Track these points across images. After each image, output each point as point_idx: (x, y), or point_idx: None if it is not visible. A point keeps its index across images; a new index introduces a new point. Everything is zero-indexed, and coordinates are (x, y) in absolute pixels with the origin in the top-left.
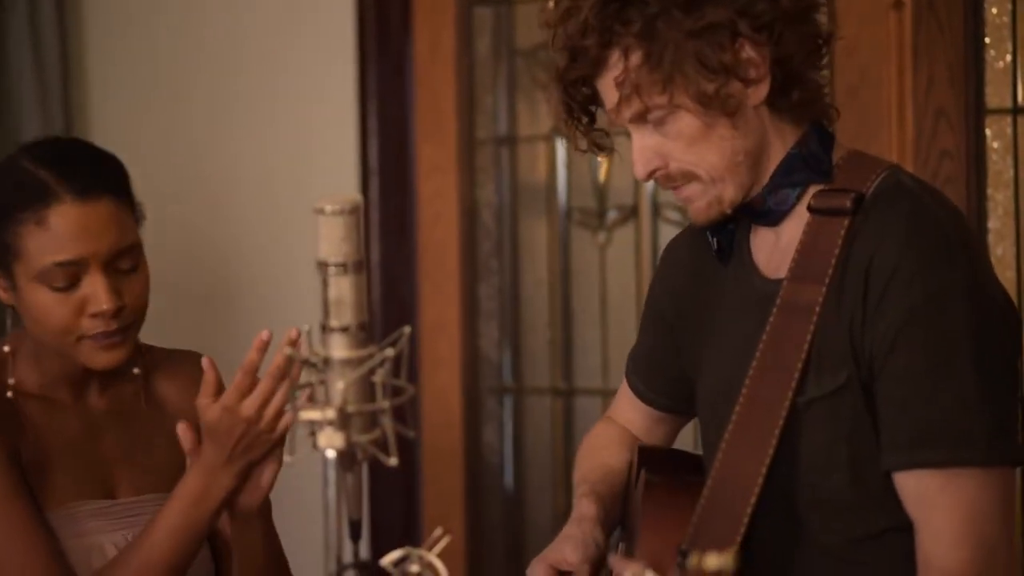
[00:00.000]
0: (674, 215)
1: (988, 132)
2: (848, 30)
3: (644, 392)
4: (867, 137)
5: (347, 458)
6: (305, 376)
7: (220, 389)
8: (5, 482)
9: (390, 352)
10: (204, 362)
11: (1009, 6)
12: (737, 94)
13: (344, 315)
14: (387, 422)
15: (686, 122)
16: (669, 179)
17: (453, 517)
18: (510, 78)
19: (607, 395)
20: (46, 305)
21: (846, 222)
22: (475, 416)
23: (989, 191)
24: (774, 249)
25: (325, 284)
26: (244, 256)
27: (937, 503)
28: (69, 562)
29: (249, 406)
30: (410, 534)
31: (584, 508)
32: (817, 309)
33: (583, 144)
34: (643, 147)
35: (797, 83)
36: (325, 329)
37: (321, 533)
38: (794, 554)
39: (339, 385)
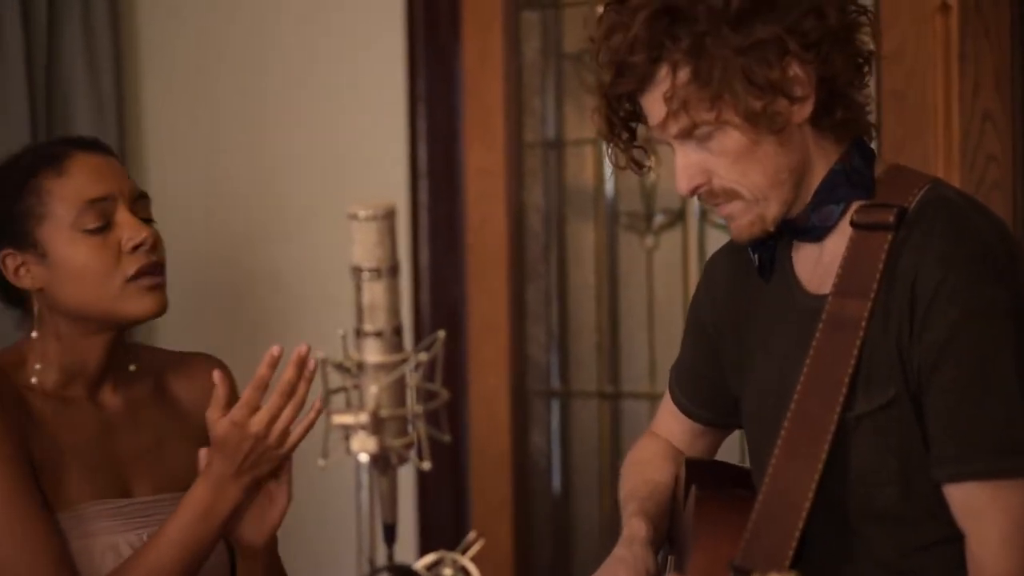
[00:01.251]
0: (721, 220)
1: None
2: (894, 34)
3: (687, 406)
4: (913, 141)
5: (381, 462)
6: (340, 381)
7: (231, 403)
8: (12, 482)
9: (423, 356)
10: (216, 375)
11: None
12: (784, 111)
13: (378, 320)
14: (420, 426)
15: (732, 139)
16: (712, 196)
17: (500, 521)
18: (558, 82)
19: (654, 399)
20: (85, 254)
21: (889, 236)
22: (523, 419)
23: None
24: (817, 264)
25: (359, 289)
26: (295, 259)
27: (986, 513)
28: (74, 564)
29: (257, 422)
30: (458, 538)
31: (635, 528)
32: (863, 324)
33: (622, 161)
34: (687, 164)
35: (841, 102)
36: (359, 334)
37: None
38: (847, 567)
39: (372, 389)
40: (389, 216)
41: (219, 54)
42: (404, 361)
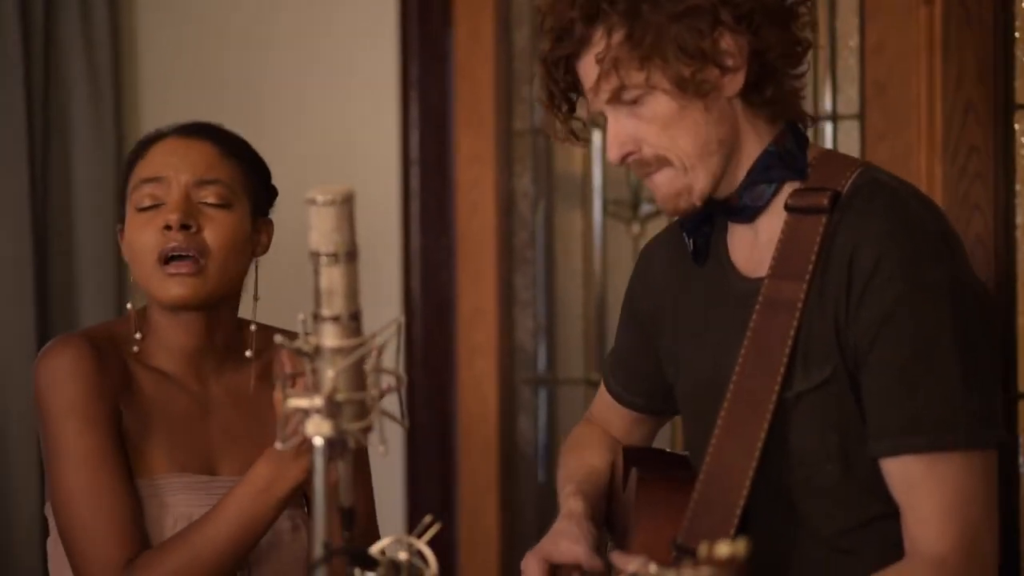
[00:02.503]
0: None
1: (1017, 127)
2: (877, 25)
3: (621, 394)
4: (896, 132)
5: (338, 446)
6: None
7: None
8: (96, 442)
9: (379, 341)
10: (280, 356)
11: None
12: (713, 80)
13: (335, 305)
14: (375, 410)
15: (662, 104)
16: (642, 164)
17: (487, 506)
18: None
19: None
20: (133, 231)
21: (824, 219)
22: (510, 406)
23: (1017, 187)
24: (752, 249)
25: (316, 274)
26: (284, 246)
27: (922, 487)
28: (146, 531)
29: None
30: (445, 523)
31: (573, 505)
32: (799, 305)
33: (562, 132)
34: (618, 131)
35: (772, 80)
36: (316, 318)
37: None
38: (789, 544)
39: (328, 373)
40: (347, 201)
41: (213, 39)
42: (361, 345)
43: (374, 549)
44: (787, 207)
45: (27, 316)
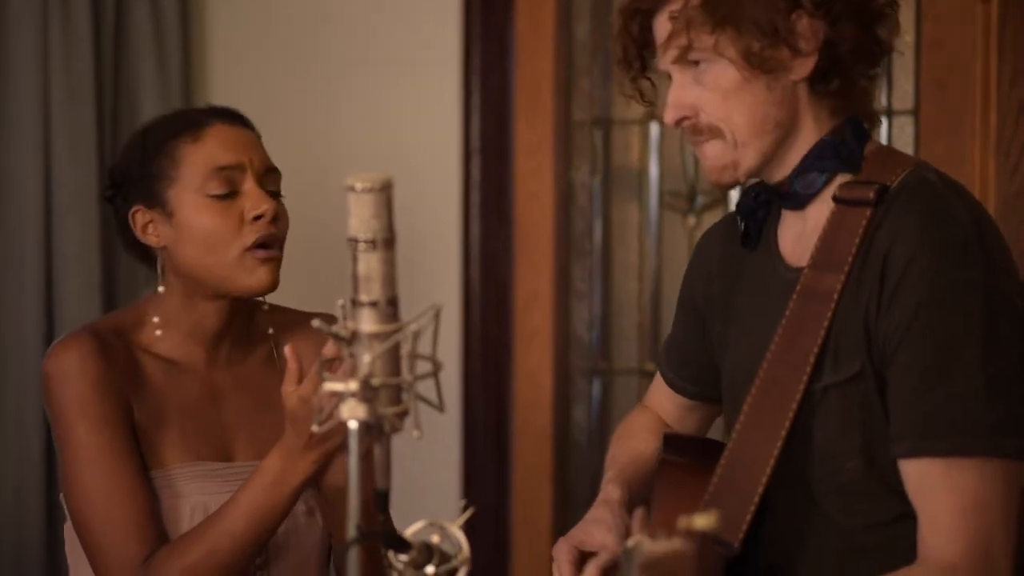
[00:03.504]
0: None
1: None
2: (935, 23)
3: (674, 380)
4: (951, 130)
5: (374, 430)
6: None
7: (303, 377)
8: (108, 441)
9: (415, 327)
10: (286, 350)
11: None
12: (781, 60)
13: (373, 290)
14: (411, 395)
15: (726, 75)
16: (695, 131)
17: (542, 495)
18: (607, 61)
19: None
20: (209, 219)
21: (868, 213)
22: (565, 395)
23: None
24: (800, 238)
25: (355, 260)
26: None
27: (937, 492)
28: (162, 524)
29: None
30: (500, 511)
31: (610, 492)
32: (835, 297)
33: (629, 89)
34: (679, 95)
35: (841, 72)
36: (355, 304)
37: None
38: (810, 538)
39: (365, 358)
40: (386, 188)
41: (279, 26)
42: (398, 331)
43: (408, 533)
44: (834, 198)
45: (94, 294)
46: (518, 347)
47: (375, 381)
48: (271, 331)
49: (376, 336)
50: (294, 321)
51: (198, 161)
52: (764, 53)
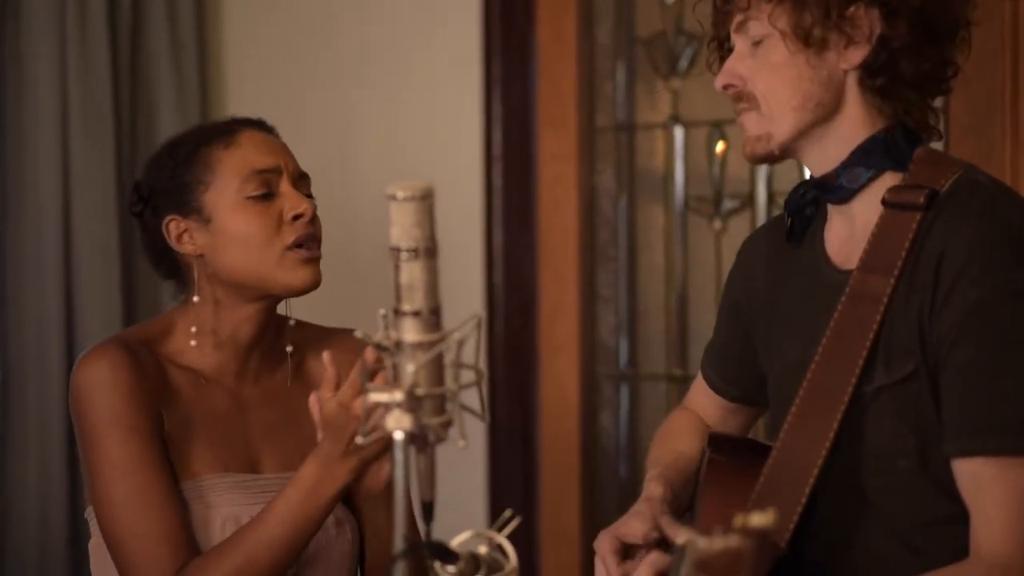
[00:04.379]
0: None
1: None
2: None
3: (716, 382)
4: (979, 127)
5: (419, 440)
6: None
7: (340, 383)
8: (139, 451)
9: (459, 336)
10: (325, 356)
11: None
12: (832, 43)
13: (416, 300)
14: (455, 404)
15: (777, 48)
16: (737, 99)
17: (569, 502)
18: (630, 66)
19: None
20: (248, 220)
21: (918, 216)
22: (592, 402)
23: None
24: (847, 240)
25: (397, 269)
26: (367, 242)
27: (990, 491)
28: (193, 534)
29: (360, 404)
30: (527, 518)
31: (652, 489)
32: (885, 300)
33: (716, 65)
34: (733, 63)
35: (889, 70)
36: (397, 313)
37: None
38: (860, 537)
39: (409, 368)
40: (427, 197)
41: (299, 34)
42: (441, 340)
43: (455, 543)
44: (884, 202)
45: (115, 305)
46: (544, 354)
47: (420, 391)
48: (289, 349)
49: (419, 346)
50: (318, 337)
51: (234, 165)
52: (814, 31)
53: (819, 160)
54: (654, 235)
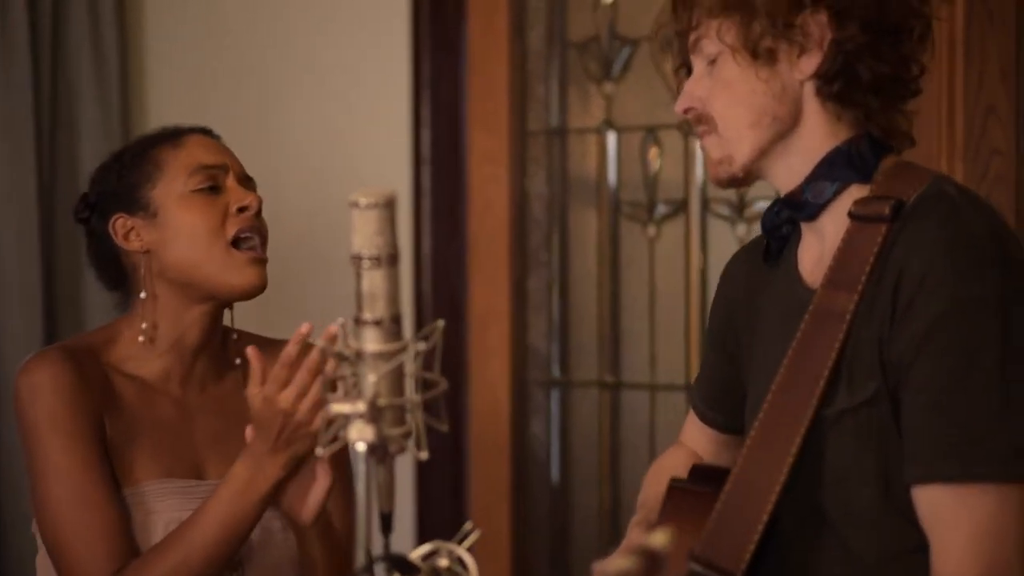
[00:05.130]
0: (724, 210)
1: None
2: None
3: (706, 414)
4: (916, 134)
5: (379, 451)
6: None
7: (266, 378)
8: (80, 453)
9: (422, 346)
10: (249, 351)
11: None
12: (783, 54)
13: (377, 308)
14: (417, 416)
15: (730, 68)
16: (696, 121)
17: (499, 509)
18: (562, 70)
19: (654, 389)
20: (193, 212)
21: (884, 229)
22: (523, 408)
23: None
24: (818, 258)
25: (359, 277)
26: (293, 245)
27: (950, 519)
28: (134, 539)
29: (285, 398)
30: (456, 527)
31: (634, 537)
32: (848, 317)
33: (675, 83)
34: (691, 85)
35: (848, 75)
36: (358, 322)
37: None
38: (822, 567)
39: (371, 378)
40: (390, 204)
41: (222, 38)
42: (403, 350)
43: (415, 556)
44: (850, 214)
45: (35, 320)
46: (474, 360)
47: (381, 402)
48: (239, 361)
49: (381, 355)
50: (261, 346)
51: (181, 161)
52: (762, 43)
53: (785, 177)
54: (587, 240)
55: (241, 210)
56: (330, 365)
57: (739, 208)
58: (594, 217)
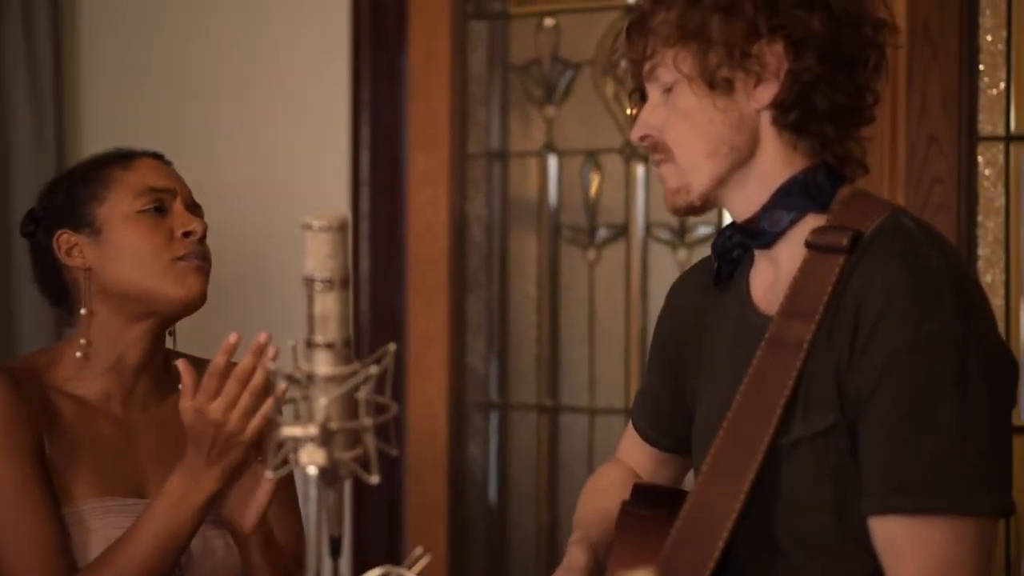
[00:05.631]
0: (665, 234)
1: (980, 159)
2: None
3: (647, 432)
4: None
5: (329, 475)
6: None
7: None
8: (20, 474)
9: (375, 370)
10: (180, 364)
11: (1004, 33)
12: (740, 83)
13: (329, 331)
14: (369, 440)
15: (684, 94)
16: (653, 150)
17: (436, 531)
18: (504, 93)
19: (593, 413)
20: (138, 233)
21: (841, 260)
22: (460, 430)
23: (980, 218)
24: (773, 285)
25: (311, 300)
26: (232, 267)
27: (906, 552)
28: (72, 555)
29: (215, 408)
30: (393, 548)
31: (573, 555)
32: (805, 347)
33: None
34: (647, 113)
35: (805, 105)
36: (310, 345)
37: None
38: None
39: (322, 402)
40: (343, 227)
41: (159, 57)
42: (355, 374)
43: None
44: (807, 244)
45: None
46: (412, 382)
47: (333, 425)
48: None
49: (333, 379)
50: (201, 367)
51: (129, 182)
52: (719, 73)
53: (742, 205)
54: (527, 263)
55: (186, 234)
56: (280, 387)
57: (680, 233)
58: (534, 240)
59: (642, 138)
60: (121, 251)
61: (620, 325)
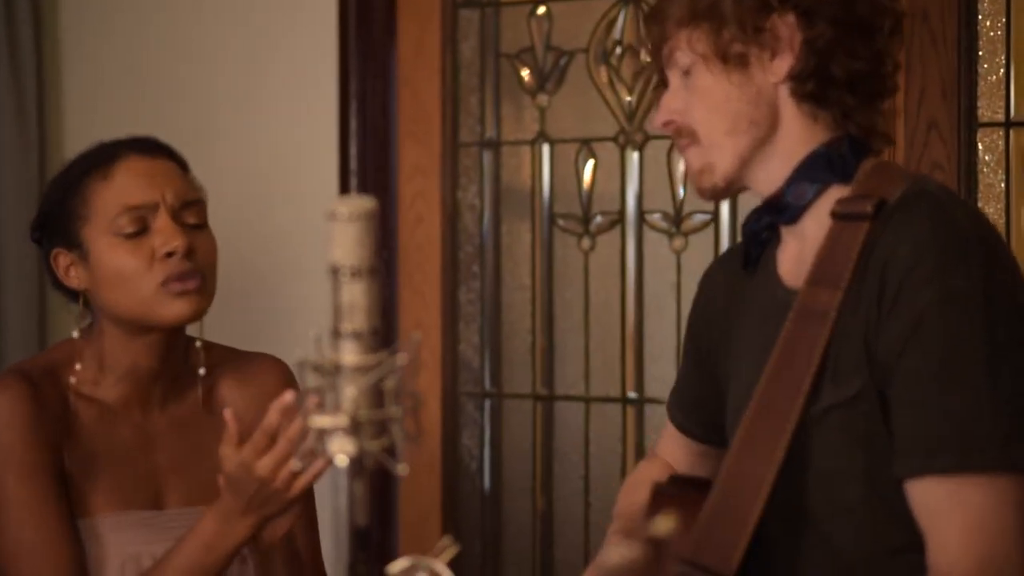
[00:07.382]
0: (660, 222)
1: (980, 145)
2: None
3: (684, 424)
4: None
5: (356, 466)
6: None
7: (243, 440)
8: (37, 492)
9: (403, 358)
10: (226, 413)
11: (1003, 19)
12: (756, 58)
13: (357, 320)
14: (397, 430)
15: (702, 75)
16: (677, 135)
17: (430, 521)
18: (495, 81)
19: (588, 402)
20: (119, 258)
21: (866, 227)
22: (454, 420)
23: (980, 204)
24: (798, 259)
25: (338, 288)
26: (223, 258)
27: (943, 512)
28: (88, 573)
29: (264, 466)
30: (386, 538)
31: (612, 543)
32: (833, 314)
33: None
34: (668, 99)
35: (822, 74)
36: (337, 334)
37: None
38: (808, 567)
39: (350, 391)
40: (371, 216)
41: (146, 50)
42: (381, 363)
43: (393, 572)
44: (833, 214)
45: None
46: (405, 372)
47: (362, 415)
48: (202, 371)
49: (360, 368)
50: (226, 359)
51: (108, 200)
52: (734, 49)
53: (766, 182)
54: (520, 253)
55: (169, 254)
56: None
57: (676, 221)
58: (528, 230)
59: (666, 124)
60: (107, 278)
61: (615, 313)
